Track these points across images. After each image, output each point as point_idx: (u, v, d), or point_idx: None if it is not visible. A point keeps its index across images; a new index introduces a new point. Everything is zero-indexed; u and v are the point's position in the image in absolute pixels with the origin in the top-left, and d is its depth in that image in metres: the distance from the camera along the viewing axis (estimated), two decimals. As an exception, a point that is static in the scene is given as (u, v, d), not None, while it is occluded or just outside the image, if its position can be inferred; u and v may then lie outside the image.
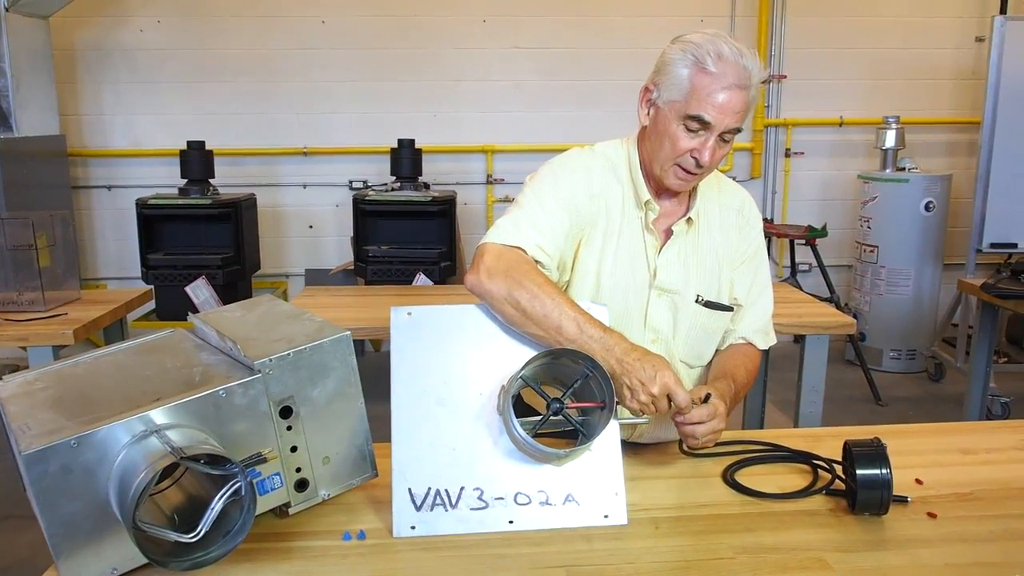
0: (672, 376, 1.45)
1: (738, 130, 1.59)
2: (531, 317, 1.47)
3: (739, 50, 1.54)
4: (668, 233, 1.72)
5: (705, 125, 1.56)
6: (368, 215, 4.84)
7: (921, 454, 1.71)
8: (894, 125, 5.21)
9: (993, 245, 4.60)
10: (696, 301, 1.73)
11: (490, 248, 1.57)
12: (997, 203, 4.56)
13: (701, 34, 1.56)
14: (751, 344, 1.80)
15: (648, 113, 1.66)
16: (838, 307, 4.87)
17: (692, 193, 1.75)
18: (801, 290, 4.03)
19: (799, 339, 3.16)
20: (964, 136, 5.79)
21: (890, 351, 5.28)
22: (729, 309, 1.77)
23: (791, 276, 5.39)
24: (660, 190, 1.71)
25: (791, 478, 1.58)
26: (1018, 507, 1.49)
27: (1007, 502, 1.51)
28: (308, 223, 5.57)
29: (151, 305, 4.80)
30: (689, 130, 1.58)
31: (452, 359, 1.46)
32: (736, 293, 1.78)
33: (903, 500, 1.47)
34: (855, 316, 5.21)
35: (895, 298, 5.20)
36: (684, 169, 1.62)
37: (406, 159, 4.95)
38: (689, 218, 1.72)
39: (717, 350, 1.80)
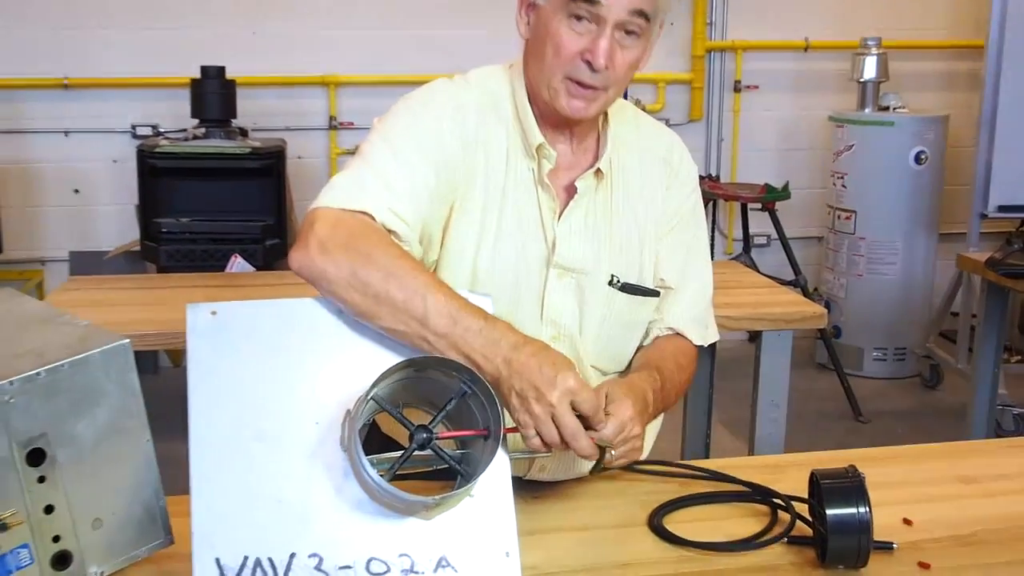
0: (578, 380, 1.46)
1: (645, 17, 1.61)
2: (386, 304, 1.46)
3: None
4: (570, 191, 1.74)
5: (594, 10, 1.58)
6: (160, 174, 4.73)
7: (910, 485, 1.78)
8: (874, 50, 5.40)
9: (1001, 208, 4.78)
10: (610, 284, 1.76)
11: (323, 214, 1.54)
12: (1006, 153, 4.71)
13: None
14: (683, 336, 1.84)
15: (528, 22, 1.69)
16: (805, 293, 5.04)
17: (601, 138, 1.78)
18: (756, 271, 4.15)
19: (754, 336, 3.26)
20: (963, 65, 6.07)
21: (873, 350, 5.50)
22: (655, 294, 1.80)
23: (743, 252, 5.54)
24: (556, 124, 1.73)
25: (742, 523, 1.62)
26: (1032, 551, 1.57)
27: (1018, 544, 1.58)
28: (73, 186, 5.44)
29: None
30: (576, 21, 1.60)
31: (276, 376, 1.44)
32: (663, 272, 1.82)
33: (887, 547, 1.52)
34: (827, 305, 5.39)
35: (878, 280, 5.41)
36: (577, 82, 1.64)
37: (213, 95, 4.86)
38: (598, 169, 1.75)
39: (639, 348, 1.84)
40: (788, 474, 1.75)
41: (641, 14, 1.60)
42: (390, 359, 1.47)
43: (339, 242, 1.50)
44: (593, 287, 1.75)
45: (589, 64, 1.61)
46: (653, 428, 1.86)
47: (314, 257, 1.50)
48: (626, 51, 1.63)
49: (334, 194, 1.57)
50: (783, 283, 4.00)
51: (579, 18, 1.60)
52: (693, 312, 1.84)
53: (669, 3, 1.66)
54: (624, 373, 1.81)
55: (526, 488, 1.68)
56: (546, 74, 1.65)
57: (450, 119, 1.68)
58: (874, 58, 5.40)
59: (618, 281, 1.76)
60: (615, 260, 1.76)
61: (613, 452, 1.51)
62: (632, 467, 1.73)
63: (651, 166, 1.82)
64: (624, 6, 1.58)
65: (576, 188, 1.73)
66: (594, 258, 1.74)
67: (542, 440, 1.45)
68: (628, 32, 1.62)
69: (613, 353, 1.80)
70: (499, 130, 1.72)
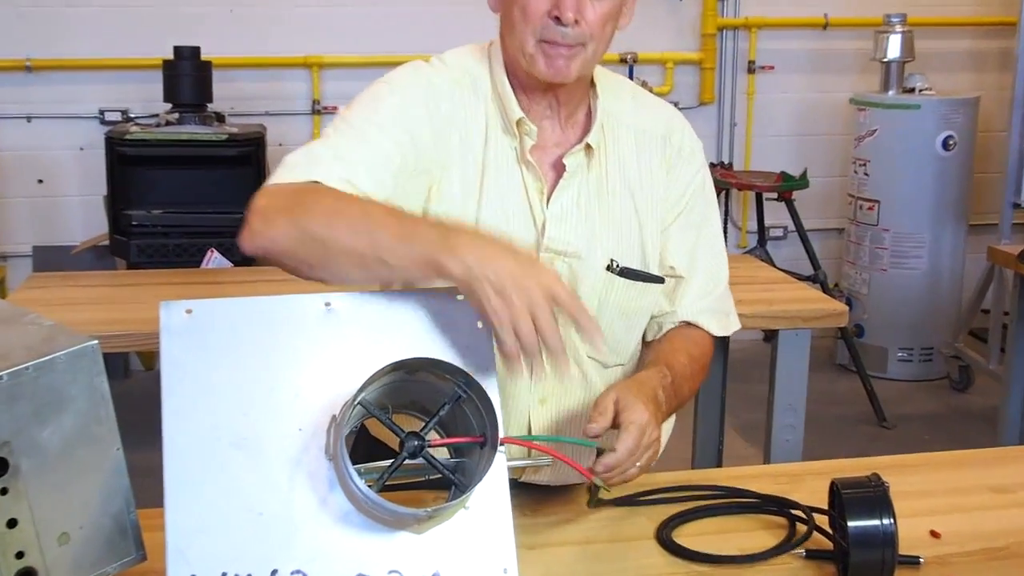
0: (557, 276, 1.45)
1: None
2: (334, 245, 1.46)
3: None
4: (558, 169, 1.75)
5: None
6: (130, 163, 4.72)
7: (938, 495, 1.78)
8: (899, 27, 5.39)
9: (1035, 197, 4.83)
10: (609, 268, 1.76)
11: (265, 190, 1.57)
12: (1041, 138, 4.77)
13: None
14: (698, 327, 1.84)
15: None
16: (825, 289, 5.05)
17: (592, 112, 1.79)
18: (773, 265, 4.15)
19: (770, 336, 3.25)
20: (994, 43, 6.07)
21: (898, 350, 5.50)
22: (658, 281, 1.81)
23: (758, 245, 5.53)
24: (543, 92, 1.74)
25: (757, 536, 1.63)
26: (1069, 565, 1.57)
27: (1054, 558, 1.58)
28: (36, 176, 5.44)
29: None
30: None
31: (255, 379, 1.44)
32: (672, 259, 1.82)
33: (913, 562, 1.53)
34: (848, 302, 5.38)
35: (903, 275, 5.41)
36: (551, 43, 1.65)
37: (187, 78, 4.86)
38: (588, 145, 1.75)
39: (647, 342, 1.85)
40: (806, 483, 1.76)
41: None
42: (379, 361, 1.47)
43: (279, 207, 1.53)
44: (588, 272, 1.75)
45: (558, 20, 1.63)
46: (666, 427, 1.86)
47: (257, 229, 1.52)
48: (597, 3, 1.64)
49: (282, 172, 1.60)
50: (801, 278, 4.00)
51: None
52: (708, 300, 1.85)
53: None
54: (631, 369, 1.83)
55: (525, 499, 1.68)
56: (519, 40, 1.67)
57: (420, 98, 1.70)
58: (898, 36, 5.39)
59: (617, 266, 1.76)
60: (613, 243, 1.77)
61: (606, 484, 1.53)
62: (635, 500, 1.72)
63: (649, 144, 1.82)
64: None
65: (564, 166, 1.74)
66: (588, 241, 1.75)
67: (519, 338, 1.38)
68: None
69: (612, 344, 1.80)
70: (477, 109, 1.73)
